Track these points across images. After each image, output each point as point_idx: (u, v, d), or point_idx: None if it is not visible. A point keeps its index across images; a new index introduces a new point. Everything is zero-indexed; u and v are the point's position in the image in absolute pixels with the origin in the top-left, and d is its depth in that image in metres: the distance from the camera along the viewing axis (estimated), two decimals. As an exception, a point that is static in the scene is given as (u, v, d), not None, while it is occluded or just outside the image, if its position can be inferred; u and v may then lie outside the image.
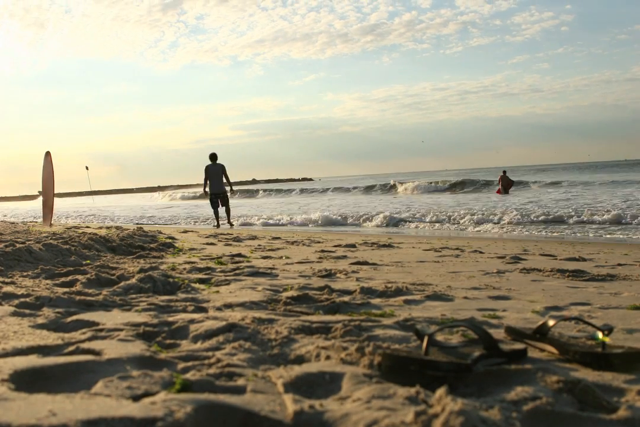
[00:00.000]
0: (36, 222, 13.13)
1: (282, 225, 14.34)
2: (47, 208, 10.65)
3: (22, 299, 2.45)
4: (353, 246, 6.36)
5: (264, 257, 5.06)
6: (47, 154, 10.72)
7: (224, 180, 13.22)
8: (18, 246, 4.23)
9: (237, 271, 3.83)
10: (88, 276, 3.19)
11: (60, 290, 2.81)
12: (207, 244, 6.77)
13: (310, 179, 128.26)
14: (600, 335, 1.67)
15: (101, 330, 1.90)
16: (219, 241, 7.28)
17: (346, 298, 2.71)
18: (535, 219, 11.92)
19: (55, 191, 10.95)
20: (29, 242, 4.80)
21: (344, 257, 5.14)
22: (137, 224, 15.40)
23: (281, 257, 5.06)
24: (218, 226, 13.12)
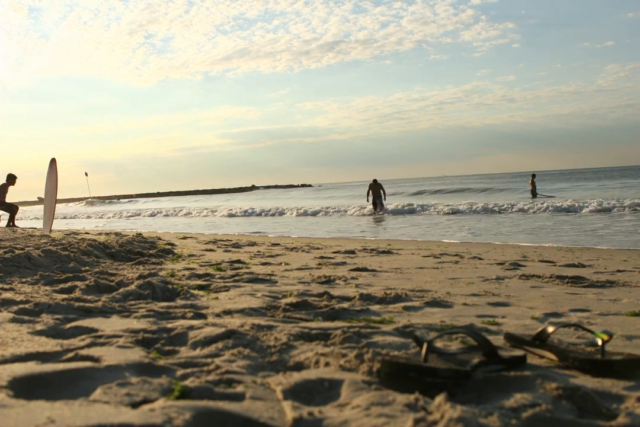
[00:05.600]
0: (35, 228, 13.12)
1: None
2: (48, 214, 10.64)
3: (21, 306, 2.44)
4: (352, 252, 6.36)
5: (263, 264, 5.05)
6: (53, 161, 10.71)
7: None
8: (17, 252, 4.23)
9: (236, 278, 3.83)
10: (87, 282, 3.19)
11: (59, 296, 2.81)
12: (206, 250, 6.77)
13: (310, 185, 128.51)
14: (600, 335, 1.67)
15: (100, 336, 1.90)
16: (218, 247, 7.28)
17: (345, 305, 2.71)
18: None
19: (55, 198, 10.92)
20: (28, 248, 4.80)
21: (343, 263, 5.13)
22: None
23: (280, 264, 5.06)
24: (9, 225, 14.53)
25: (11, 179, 14.81)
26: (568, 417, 1.19)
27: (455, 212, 18.70)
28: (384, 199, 21.76)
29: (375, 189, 21.64)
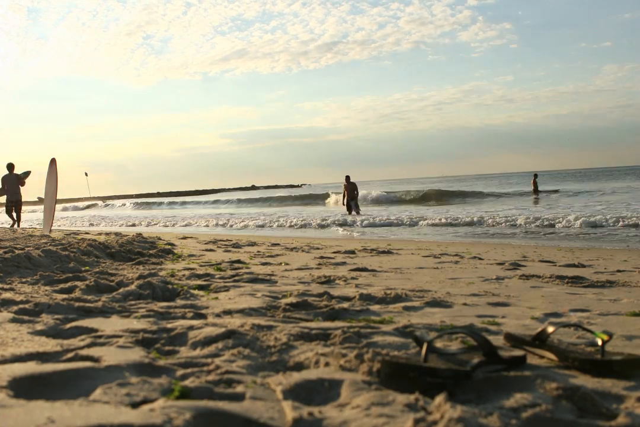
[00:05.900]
0: (35, 228, 13.12)
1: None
2: (49, 214, 10.64)
3: (21, 306, 2.44)
4: (352, 252, 6.36)
5: (263, 264, 5.05)
6: (53, 161, 10.72)
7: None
8: (17, 252, 4.23)
9: (236, 278, 3.83)
10: (87, 282, 3.19)
11: (59, 296, 2.81)
12: (206, 250, 6.76)
13: (300, 186, 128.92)
14: (600, 336, 1.67)
15: (100, 337, 1.90)
16: (218, 247, 7.28)
17: (345, 305, 2.71)
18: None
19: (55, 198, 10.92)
20: (28, 248, 4.80)
21: (343, 263, 5.13)
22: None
23: (280, 264, 5.06)
24: (12, 225, 15.20)
25: (13, 167, 15.26)
26: (568, 417, 1.19)
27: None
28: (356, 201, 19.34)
29: (350, 188, 19.10)
